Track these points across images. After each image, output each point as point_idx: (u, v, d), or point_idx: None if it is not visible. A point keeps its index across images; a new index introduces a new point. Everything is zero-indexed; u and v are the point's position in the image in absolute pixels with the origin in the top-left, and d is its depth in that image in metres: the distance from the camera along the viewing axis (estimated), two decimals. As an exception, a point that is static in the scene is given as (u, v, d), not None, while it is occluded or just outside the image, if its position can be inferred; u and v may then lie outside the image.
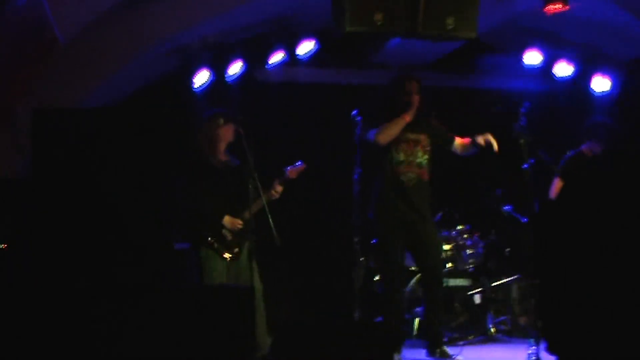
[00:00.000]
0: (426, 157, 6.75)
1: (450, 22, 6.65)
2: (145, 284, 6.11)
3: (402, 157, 6.68)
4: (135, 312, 4.85)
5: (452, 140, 6.84)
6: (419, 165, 6.71)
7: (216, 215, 6.71)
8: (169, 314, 4.87)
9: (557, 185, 7.54)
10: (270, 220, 6.31)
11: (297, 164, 6.98)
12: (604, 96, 8.96)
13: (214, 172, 6.75)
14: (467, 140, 6.83)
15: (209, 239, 6.67)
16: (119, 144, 6.81)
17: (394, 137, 6.61)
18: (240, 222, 6.68)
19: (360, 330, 5.19)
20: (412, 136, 6.72)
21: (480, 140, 6.65)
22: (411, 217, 6.67)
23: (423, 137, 6.76)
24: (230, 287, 6.32)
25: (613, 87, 8.89)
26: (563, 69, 8.85)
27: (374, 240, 8.17)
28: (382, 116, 6.69)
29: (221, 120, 6.76)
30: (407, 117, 6.61)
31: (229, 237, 6.72)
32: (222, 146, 6.82)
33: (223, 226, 6.70)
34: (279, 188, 6.83)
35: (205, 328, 4.87)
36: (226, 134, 6.76)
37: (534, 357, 6.18)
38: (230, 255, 6.70)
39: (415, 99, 6.64)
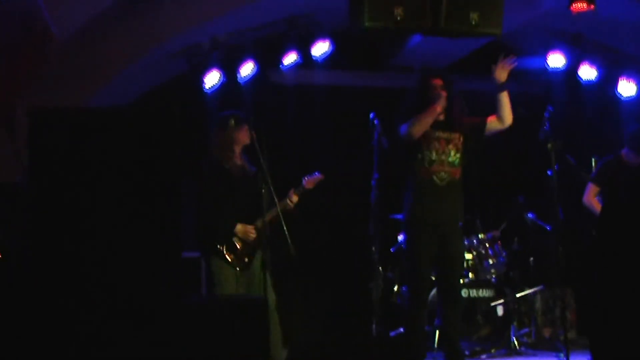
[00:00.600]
0: (458, 155, 6.41)
1: (474, 17, 6.38)
2: (154, 295, 5.81)
3: (434, 155, 6.34)
4: (144, 325, 4.56)
5: (485, 122, 6.46)
6: (452, 164, 6.37)
7: (228, 222, 6.40)
8: (179, 327, 4.58)
9: (591, 190, 7.21)
10: (285, 229, 6.00)
11: (314, 174, 6.73)
12: (630, 101, 8.62)
13: (228, 177, 6.45)
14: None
15: (219, 247, 6.35)
16: (123, 146, 6.53)
17: (426, 128, 6.28)
18: (253, 231, 6.38)
19: (381, 345, 4.87)
20: (443, 134, 6.39)
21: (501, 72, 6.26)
22: (444, 229, 6.31)
23: (455, 136, 6.42)
24: (243, 298, 6.04)
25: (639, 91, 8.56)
26: (587, 72, 8.52)
27: (393, 249, 7.99)
28: (411, 114, 6.36)
29: (233, 122, 6.45)
30: (438, 107, 6.28)
31: (240, 246, 6.41)
32: (237, 150, 6.51)
33: (234, 234, 6.39)
34: (295, 198, 6.57)
35: (218, 341, 4.59)
36: (240, 136, 6.45)
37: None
38: (240, 266, 6.38)
39: (443, 92, 6.32)
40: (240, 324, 4.68)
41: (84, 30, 6.64)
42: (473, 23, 6.19)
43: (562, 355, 7.20)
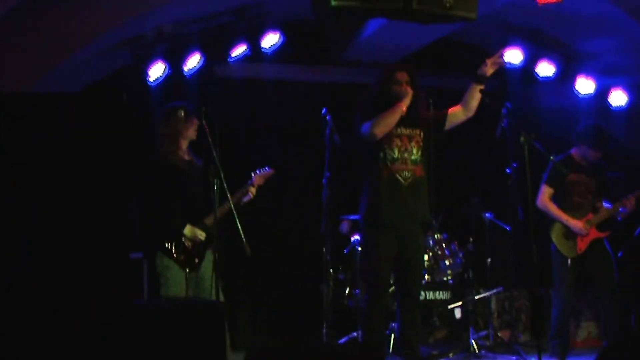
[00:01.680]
0: (420, 153, 6.13)
1: (448, -1, 6.07)
2: (102, 297, 5.44)
3: (396, 153, 6.06)
4: (92, 329, 4.18)
5: (446, 115, 6.21)
6: (414, 161, 6.09)
7: (177, 220, 6.04)
8: (130, 331, 4.20)
9: (545, 192, 6.99)
10: (239, 226, 5.67)
11: (265, 169, 6.43)
12: (588, 98, 8.47)
13: (175, 172, 6.08)
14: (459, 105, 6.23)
15: (167, 245, 5.98)
16: (61, 139, 6.17)
17: (391, 128, 5.99)
18: (203, 233, 6.03)
19: (339, 351, 4.56)
20: (405, 131, 6.10)
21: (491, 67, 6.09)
22: (404, 229, 6.03)
23: (417, 132, 6.14)
24: (199, 301, 5.71)
25: (597, 88, 8.40)
26: (545, 69, 8.34)
27: (346, 250, 7.71)
28: (374, 111, 6.05)
29: (182, 114, 6.10)
30: (404, 106, 5.99)
31: (189, 246, 6.05)
32: (184, 143, 6.15)
33: (183, 234, 6.03)
34: (252, 191, 6.28)
35: (172, 346, 4.31)
36: (188, 129, 6.11)
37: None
38: (190, 266, 6.02)
39: (408, 88, 6.04)
40: (195, 328, 4.40)
41: (19, 13, 6.24)
42: (447, 5, 5.86)
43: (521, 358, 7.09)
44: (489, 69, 6.06)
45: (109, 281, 6.85)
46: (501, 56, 6.13)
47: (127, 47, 7.29)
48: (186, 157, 6.16)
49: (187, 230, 6.02)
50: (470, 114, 6.20)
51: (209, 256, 6.08)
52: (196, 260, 6.05)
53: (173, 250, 5.98)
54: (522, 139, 5.81)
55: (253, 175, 6.36)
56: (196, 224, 6.05)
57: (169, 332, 4.33)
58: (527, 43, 8.26)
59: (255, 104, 8.33)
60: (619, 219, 7.02)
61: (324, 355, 4.41)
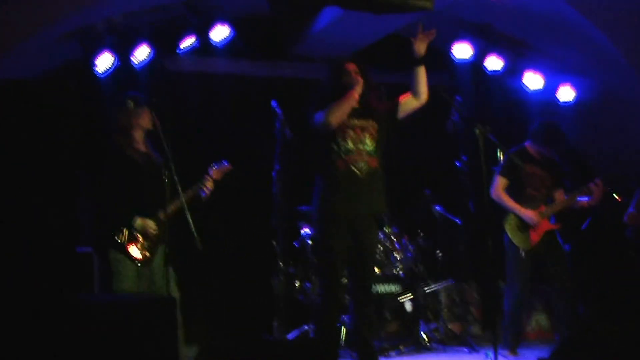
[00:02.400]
0: (374, 144, 6.09)
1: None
2: (50, 293, 5.36)
3: (350, 145, 5.99)
4: (37, 325, 4.09)
5: (397, 103, 6.16)
6: (369, 153, 6.03)
7: (129, 213, 5.92)
8: (81, 328, 4.11)
9: (499, 183, 7.03)
10: (191, 221, 5.60)
11: (222, 163, 6.36)
12: (536, 93, 8.56)
13: (129, 164, 5.94)
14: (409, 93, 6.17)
15: (118, 239, 5.88)
16: (10, 130, 6.08)
17: (345, 116, 5.93)
18: (154, 225, 5.92)
19: (293, 348, 4.51)
20: (358, 122, 6.04)
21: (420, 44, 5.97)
22: (359, 222, 5.98)
23: (370, 123, 6.09)
24: (150, 296, 5.58)
25: (546, 83, 8.49)
26: (494, 63, 8.42)
27: (296, 243, 7.68)
28: (326, 102, 5.98)
29: (131, 104, 5.97)
30: (356, 93, 5.95)
31: (141, 240, 5.95)
32: (137, 135, 6.01)
33: (134, 227, 5.94)
34: (210, 184, 6.21)
35: (123, 342, 4.16)
36: (140, 120, 5.97)
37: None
38: (142, 261, 5.93)
39: (358, 77, 6.01)
40: (147, 324, 4.26)
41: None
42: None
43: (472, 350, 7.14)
44: (419, 47, 5.95)
45: (54, 276, 6.78)
46: (424, 30, 5.97)
47: (76, 38, 7.15)
48: (142, 149, 6.03)
49: (137, 222, 5.92)
50: (423, 98, 6.10)
51: (160, 251, 5.99)
52: (148, 255, 5.94)
53: (125, 244, 5.88)
54: (477, 131, 5.81)
55: (210, 169, 6.28)
56: (148, 217, 5.95)
57: (119, 327, 4.20)
58: (477, 38, 8.32)
59: (205, 97, 8.24)
60: (587, 207, 7.06)
61: (278, 352, 4.37)
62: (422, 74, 6.04)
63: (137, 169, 5.95)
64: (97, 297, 5.84)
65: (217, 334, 7.82)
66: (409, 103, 6.15)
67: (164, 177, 5.69)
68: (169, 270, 5.75)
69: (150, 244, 5.94)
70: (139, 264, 5.89)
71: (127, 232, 5.89)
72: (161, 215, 5.92)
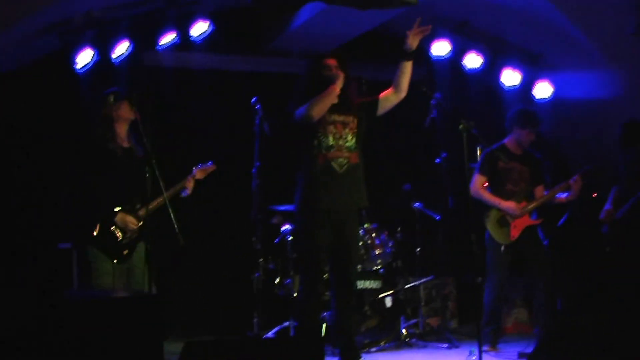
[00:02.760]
0: (355, 139, 6.08)
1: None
2: (32, 290, 5.30)
3: (331, 141, 5.98)
4: (21, 323, 4.04)
5: (378, 100, 6.17)
6: (349, 148, 6.03)
7: (108, 208, 5.87)
8: (65, 325, 4.07)
9: (479, 180, 7.07)
10: (172, 216, 5.54)
11: (207, 163, 6.36)
12: (514, 90, 8.60)
13: (110, 159, 5.91)
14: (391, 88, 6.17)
15: (96, 235, 5.83)
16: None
17: (325, 110, 5.92)
18: (135, 221, 5.88)
19: (277, 346, 4.49)
20: (339, 118, 6.04)
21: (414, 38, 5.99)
22: (340, 217, 5.98)
23: (351, 119, 6.09)
24: (135, 293, 5.55)
25: (523, 80, 8.53)
26: (472, 61, 8.45)
27: (277, 240, 7.66)
28: (306, 97, 5.97)
29: (111, 99, 5.94)
30: (337, 88, 5.94)
31: (120, 236, 5.91)
32: (119, 129, 5.97)
33: (114, 223, 5.88)
34: (192, 184, 6.20)
35: (107, 340, 4.12)
36: (120, 113, 5.94)
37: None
38: (118, 257, 5.88)
39: (339, 71, 6.00)
40: (132, 321, 4.23)
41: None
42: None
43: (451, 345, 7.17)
44: (413, 41, 5.97)
45: (36, 272, 6.71)
46: (420, 25, 6.00)
47: (55, 31, 7.08)
48: (125, 144, 6.00)
49: (118, 217, 5.87)
50: (402, 94, 6.13)
51: (140, 248, 5.94)
52: (125, 252, 5.89)
53: (102, 240, 5.83)
54: (460, 126, 5.82)
55: (194, 169, 6.27)
56: (129, 212, 5.91)
57: (105, 325, 4.15)
58: (454, 35, 8.34)
59: (184, 92, 8.20)
60: (565, 203, 7.13)
61: (264, 350, 4.35)
62: (409, 68, 6.07)
63: (117, 164, 5.90)
64: (81, 294, 5.77)
65: (198, 331, 7.80)
66: (388, 99, 6.17)
67: (145, 172, 5.66)
68: (148, 267, 5.72)
69: (130, 242, 5.90)
70: (115, 260, 5.85)
71: (104, 227, 5.86)
72: (142, 211, 5.89)
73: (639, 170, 7.06)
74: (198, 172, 6.27)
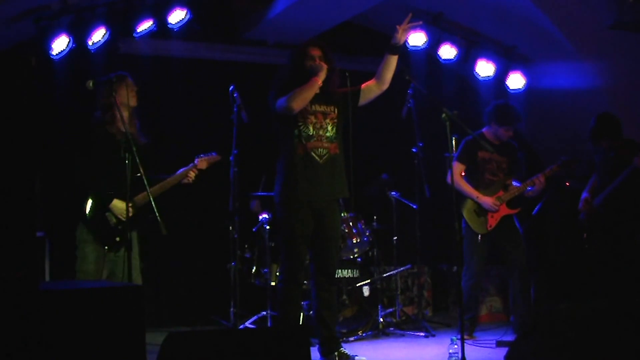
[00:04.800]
0: (335, 130, 6.08)
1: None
2: (10, 280, 5.22)
3: (311, 130, 5.96)
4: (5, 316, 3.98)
5: (359, 90, 6.15)
6: (330, 139, 6.02)
7: (104, 192, 5.84)
8: (46, 316, 4.00)
9: (457, 168, 7.11)
10: (154, 205, 5.50)
11: (211, 153, 6.31)
12: (488, 81, 8.66)
13: (110, 142, 5.89)
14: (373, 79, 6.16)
15: (89, 218, 5.80)
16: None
17: (307, 102, 5.89)
18: (130, 210, 5.72)
19: (261, 337, 4.46)
20: (320, 108, 6.02)
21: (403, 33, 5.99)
22: (320, 206, 5.98)
23: (332, 109, 6.08)
24: (117, 285, 5.45)
25: (497, 71, 8.59)
26: (447, 52, 8.48)
27: (254, 229, 7.65)
28: (289, 87, 5.93)
29: (112, 84, 5.88)
30: (319, 80, 5.91)
31: (114, 223, 5.87)
32: (118, 114, 5.87)
33: (109, 209, 5.84)
34: (194, 173, 6.19)
35: (91, 331, 4.07)
36: (119, 98, 5.89)
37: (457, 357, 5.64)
38: (109, 244, 5.84)
39: (322, 63, 5.97)
40: (113, 312, 4.16)
41: None
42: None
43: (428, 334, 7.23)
44: (401, 36, 5.98)
45: (15, 263, 6.60)
46: (410, 21, 6.01)
47: (30, 17, 7.00)
48: (124, 129, 5.84)
49: (114, 204, 5.84)
50: (384, 86, 6.14)
51: (133, 237, 5.90)
52: (117, 239, 5.85)
53: (95, 224, 5.81)
54: (443, 115, 5.84)
55: (197, 158, 6.23)
56: (126, 200, 5.74)
57: (86, 315, 4.09)
58: (430, 26, 8.37)
59: (161, 80, 8.13)
60: (529, 197, 7.23)
61: (248, 341, 4.33)
62: (394, 62, 6.07)
63: (117, 148, 5.83)
64: (62, 284, 5.72)
65: (173, 321, 7.81)
66: (371, 90, 6.17)
67: (125, 158, 5.60)
68: (133, 257, 5.69)
69: (122, 229, 5.86)
70: (105, 247, 5.82)
71: (98, 211, 5.83)
72: (138, 200, 5.86)
73: (612, 161, 7.15)
74: (200, 162, 6.22)
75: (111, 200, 5.83)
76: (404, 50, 8.46)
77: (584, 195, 7.28)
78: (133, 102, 6.03)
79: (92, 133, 5.96)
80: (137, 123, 6.08)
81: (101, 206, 5.84)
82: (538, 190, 7.03)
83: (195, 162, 6.21)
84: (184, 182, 6.19)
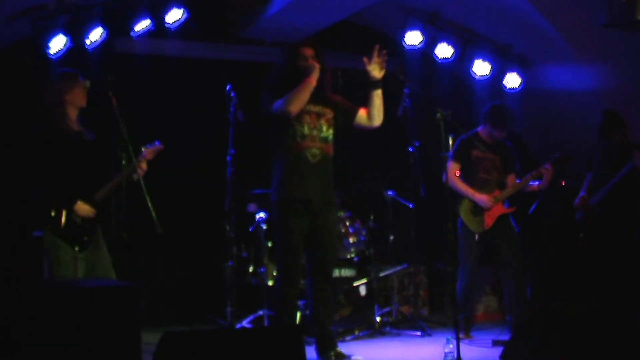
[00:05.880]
0: (331, 131, 6.08)
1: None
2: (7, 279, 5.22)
3: (305, 130, 5.96)
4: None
5: (356, 111, 6.15)
6: (324, 139, 6.02)
7: (66, 193, 5.73)
8: (40, 315, 4.00)
9: (452, 167, 7.13)
10: (150, 203, 5.50)
11: (155, 143, 6.14)
12: (484, 80, 8.67)
13: (64, 139, 5.76)
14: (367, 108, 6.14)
15: (53, 221, 5.70)
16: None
17: (304, 104, 5.89)
18: (94, 210, 5.75)
19: (256, 337, 4.47)
20: (314, 108, 6.02)
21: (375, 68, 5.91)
22: (316, 206, 5.97)
23: (327, 110, 6.08)
24: (111, 284, 5.47)
25: (493, 71, 8.61)
26: (443, 51, 8.49)
27: (252, 228, 7.66)
28: (282, 88, 5.95)
29: (65, 81, 5.81)
30: (313, 80, 5.91)
31: (79, 222, 5.77)
32: (72, 112, 5.81)
33: (72, 210, 5.76)
34: (144, 165, 5.99)
35: (86, 330, 4.06)
36: (75, 97, 5.80)
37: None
38: (79, 244, 5.76)
39: (315, 62, 5.97)
40: (108, 311, 4.15)
41: None
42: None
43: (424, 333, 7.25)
44: (373, 70, 5.91)
45: (10, 262, 6.60)
46: (379, 54, 5.90)
47: (28, 17, 7.00)
48: (75, 127, 5.84)
49: (79, 206, 5.74)
50: (375, 123, 6.12)
51: (99, 234, 5.86)
52: (85, 238, 5.77)
53: (61, 227, 5.71)
54: (438, 115, 5.85)
55: (143, 149, 6.07)
56: (86, 198, 5.77)
57: (81, 315, 4.08)
58: (426, 25, 8.39)
59: (157, 80, 8.16)
60: (538, 190, 7.21)
61: (243, 340, 4.33)
62: (375, 99, 6.03)
63: (72, 145, 5.77)
64: (57, 283, 5.71)
65: (170, 320, 7.81)
66: (362, 119, 6.15)
67: (121, 157, 5.60)
68: (103, 254, 5.71)
69: (87, 227, 5.80)
70: (76, 248, 5.77)
71: (65, 214, 5.75)
72: (98, 196, 5.81)
73: (615, 159, 7.18)
74: (147, 153, 6.07)
75: (75, 203, 5.75)
76: (400, 50, 8.56)
77: (582, 193, 7.31)
78: (83, 101, 5.89)
79: (43, 134, 5.78)
80: (81, 122, 5.94)
81: (66, 210, 5.75)
82: (548, 180, 7.00)
83: (143, 154, 6.09)
84: (135, 177, 5.90)
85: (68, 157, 5.76)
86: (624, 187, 7.08)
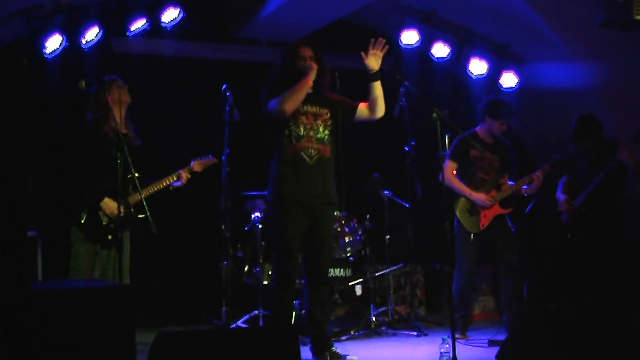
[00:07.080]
0: (327, 132, 6.07)
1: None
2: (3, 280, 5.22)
3: (301, 131, 5.96)
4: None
5: (356, 107, 6.16)
6: (320, 140, 6.01)
7: (95, 191, 5.87)
8: (37, 315, 4.03)
9: (449, 167, 7.13)
10: (145, 205, 5.57)
11: (207, 156, 6.38)
12: (480, 79, 8.67)
13: (102, 141, 5.92)
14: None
15: (81, 217, 5.83)
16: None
17: (299, 103, 5.89)
18: (121, 208, 5.70)
19: (251, 337, 4.47)
20: (311, 109, 6.02)
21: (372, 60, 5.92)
22: (312, 206, 5.97)
23: (324, 111, 6.07)
24: (107, 285, 5.48)
25: (489, 70, 8.60)
26: (440, 50, 8.49)
27: (247, 228, 7.65)
28: (279, 87, 5.94)
29: (105, 84, 5.98)
30: (310, 80, 5.91)
31: (106, 222, 5.88)
32: (116, 111, 5.91)
33: (100, 207, 5.86)
34: (187, 175, 6.25)
35: (81, 331, 4.09)
36: (111, 97, 5.93)
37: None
38: (103, 243, 5.87)
39: (313, 62, 5.97)
40: (103, 312, 4.18)
41: None
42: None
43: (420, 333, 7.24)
44: (370, 62, 5.92)
45: (5, 263, 6.60)
46: (375, 44, 5.91)
47: (23, 16, 7.00)
48: (121, 129, 5.86)
49: (105, 202, 5.86)
50: (378, 114, 6.12)
51: (126, 237, 5.96)
52: (110, 238, 5.88)
53: (87, 223, 5.84)
54: (434, 115, 5.84)
55: (192, 161, 6.25)
56: (117, 199, 5.75)
57: (76, 315, 4.11)
58: (422, 25, 8.38)
59: (154, 80, 8.16)
60: (525, 195, 7.25)
61: (238, 340, 4.33)
62: (376, 91, 6.04)
63: (107, 146, 5.89)
64: (53, 284, 5.72)
65: (165, 320, 7.80)
66: (364, 113, 6.16)
67: (116, 157, 5.63)
68: (123, 257, 5.69)
69: (114, 228, 5.86)
70: (97, 245, 5.83)
71: (91, 212, 5.85)
72: (132, 199, 5.88)
73: (594, 162, 7.18)
74: (196, 165, 6.25)
75: (102, 199, 5.83)
76: (397, 49, 8.55)
77: (563, 196, 7.31)
78: (126, 98, 6.06)
79: (84, 132, 5.98)
80: (132, 126, 6.08)
81: (93, 205, 5.84)
82: (536, 187, 7.04)
83: (191, 164, 6.20)
84: (175, 185, 6.18)
85: (103, 158, 5.89)
86: (608, 185, 7.09)
